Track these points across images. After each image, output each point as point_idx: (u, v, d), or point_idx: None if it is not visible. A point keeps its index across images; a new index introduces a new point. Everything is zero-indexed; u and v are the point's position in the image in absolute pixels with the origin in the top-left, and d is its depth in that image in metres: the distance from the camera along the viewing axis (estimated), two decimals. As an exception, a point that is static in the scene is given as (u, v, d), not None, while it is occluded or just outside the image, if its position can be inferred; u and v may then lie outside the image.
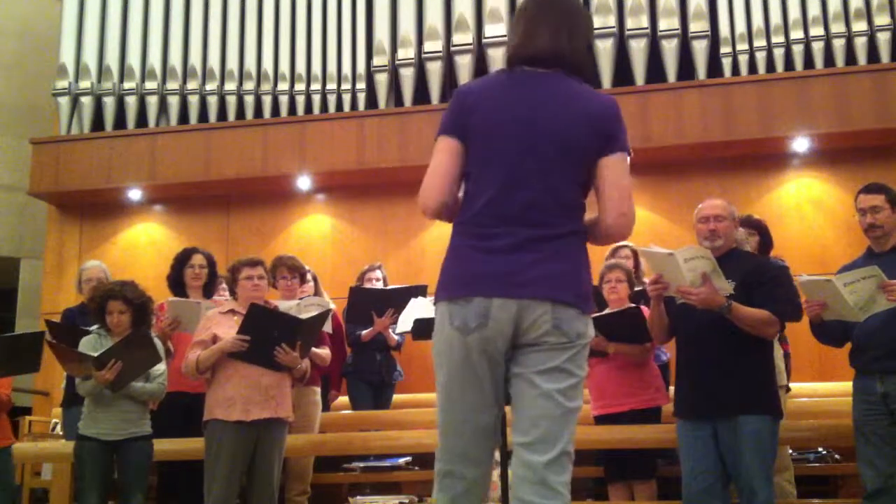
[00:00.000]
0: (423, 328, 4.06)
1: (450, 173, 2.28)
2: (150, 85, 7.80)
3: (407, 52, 7.42)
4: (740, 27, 6.93)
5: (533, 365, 2.18)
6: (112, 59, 7.88)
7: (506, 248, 2.19)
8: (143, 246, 7.85)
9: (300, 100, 7.62)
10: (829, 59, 6.79)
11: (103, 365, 4.11)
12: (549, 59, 2.31)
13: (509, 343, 2.19)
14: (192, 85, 7.76)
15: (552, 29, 2.33)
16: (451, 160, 2.29)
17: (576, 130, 2.24)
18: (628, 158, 2.30)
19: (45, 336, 4.50)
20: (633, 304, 4.49)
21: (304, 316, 4.41)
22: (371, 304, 5.64)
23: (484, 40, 7.23)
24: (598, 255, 5.71)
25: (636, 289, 4.66)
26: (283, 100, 7.63)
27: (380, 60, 7.48)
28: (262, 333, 4.07)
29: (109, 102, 7.80)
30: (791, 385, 4.81)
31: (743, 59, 6.90)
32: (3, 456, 4.48)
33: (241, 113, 7.70)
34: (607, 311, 4.51)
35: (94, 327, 4.43)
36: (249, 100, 7.68)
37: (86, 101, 7.81)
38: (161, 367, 4.38)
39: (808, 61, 6.81)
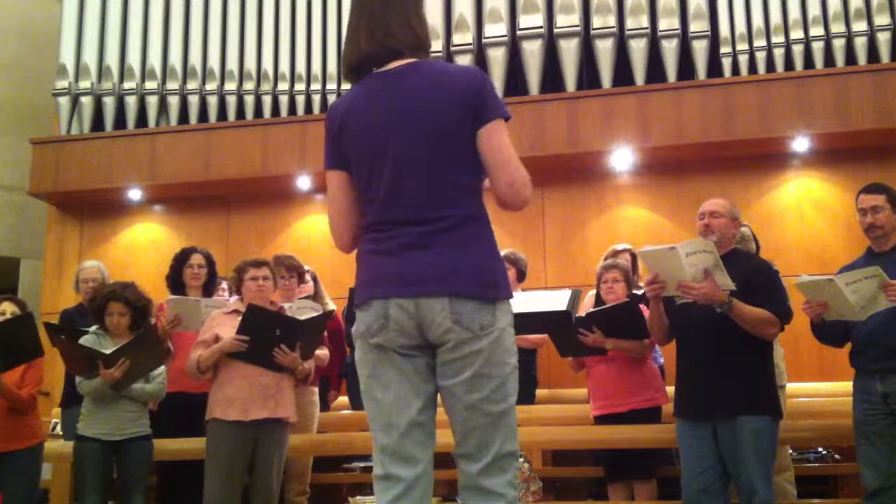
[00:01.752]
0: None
1: (345, 208, 2.30)
2: (150, 85, 7.81)
3: (407, 52, 7.41)
4: (740, 27, 6.93)
5: (452, 377, 2.15)
6: (112, 59, 7.88)
7: (399, 248, 2.17)
8: (143, 246, 7.86)
9: (300, 100, 7.62)
10: (829, 59, 6.78)
11: (112, 363, 4.11)
12: (380, 56, 2.27)
13: (418, 342, 2.17)
14: (192, 85, 7.76)
15: (367, 24, 2.28)
16: (342, 194, 2.30)
17: (441, 114, 2.18)
18: (504, 122, 2.21)
19: (34, 318, 4.47)
20: (630, 299, 4.48)
21: (300, 318, 4.41)
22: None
23: (484, 40, 7.23)
24: (595, 257, 5.75)
25: (634, 291, 4.66)
26: (283, 100, 7.63)
27: (380, 60, 7.47)
28: (261, 334, 4.08)
29: (109, 102, 7.80)
30: (791, 385, 4.81)
31: (743, 59, 6.90)
32: (30, 456, 4.45)
33: (241, 113, 7.70)
34: (602, 307, 4.51)
35: (93, 328, 4.43)
36: (249, 100, 7.68)
37: (86, 101, 7.81)
38: (160, 368, 4.38)
39: (808, 61, 6.80)
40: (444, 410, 2.22)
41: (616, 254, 5.19)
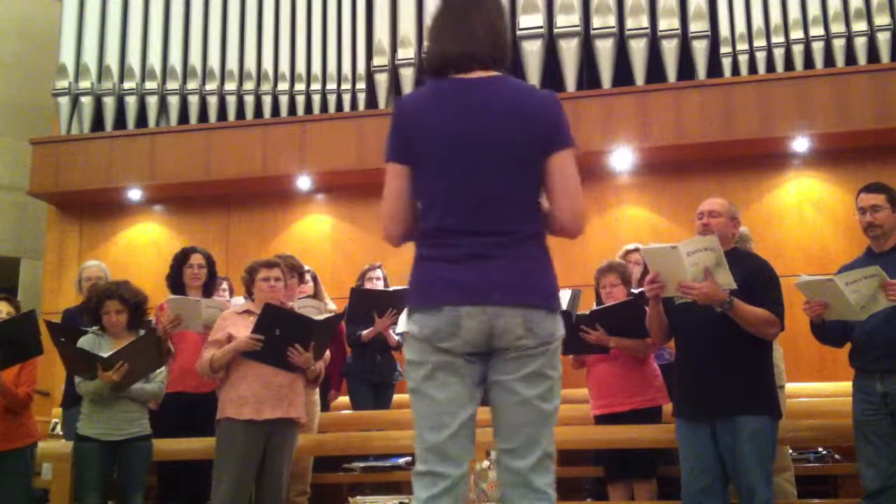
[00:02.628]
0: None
1: (404, 200, 2.33)
2: (150, 85, 7.81)
3: (407, 52, 7.43)
4: (740, 27, 6.93)
5: (510, 372, 2.21)
6: (112, 59, 7.88)
7: (470, 256, 2.21)
8: (143, 246, 7.86)
9: (300, 100, 7.62)
10: (829, 59, 6.79)
11: (111, 366, 4.11)
12: (463, 61, 2.30)
13: (483, 349, 2.22)
14: (192, 85, 7.77)
15: (458, 30, 2.32)
16: (401, 186, 2.32)
17: (517, 133, 2.24)
18: (573, 153, 2.29)
19: (36, 316, 4.49)
20: (633, 298, 4.47)
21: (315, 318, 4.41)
22: (372, 304, 5.64)
23: (484, 40, 7.21)
24: (595, 257, 5.74)
25: (633, 290, 4.65)
26: (283, 100, 7.63)
27: (380, 60, 7.48)
28: (276, 333, 4.08)
29: (109, 102, 7.80)
30: (791, 385, 4.81)
31: (743, 59, 6.90)
32: (24, 456, 4.45)
33: (241, 113, 7.70)
34: (606, 305, 4.50)
35: (92, 328, 4.43)
36: (249, 100, 7.68)
37: (86, 101, 7.81)
38: (160, 368, 4.38)
39: (808, 61, 6.81)
40: (492, 409, 2.26)
41: (627, 254, 5.17)
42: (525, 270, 2.23)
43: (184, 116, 7.77)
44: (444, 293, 2.20)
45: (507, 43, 2.38)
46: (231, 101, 7.71)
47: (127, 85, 7.82)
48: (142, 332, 4.40)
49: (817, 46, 6.78)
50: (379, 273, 5.93)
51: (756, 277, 3.60)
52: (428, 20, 7.44)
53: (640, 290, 4.20)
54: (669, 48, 6.98)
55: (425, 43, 2.45)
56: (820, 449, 5.15)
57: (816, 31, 6.80)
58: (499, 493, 2.28)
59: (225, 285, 5.66)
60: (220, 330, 4.24)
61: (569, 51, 7.06)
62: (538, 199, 2.30)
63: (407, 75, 7.37)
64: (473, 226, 2.22)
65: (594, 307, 4.61)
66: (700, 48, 6.96)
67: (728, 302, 3.45)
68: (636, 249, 5.22)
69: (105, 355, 4.15)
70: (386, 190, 2.36)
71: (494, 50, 2.32)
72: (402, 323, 5.07)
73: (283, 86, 7.65)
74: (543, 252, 2.29)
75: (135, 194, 7.80)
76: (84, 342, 4.33)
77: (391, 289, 5.80)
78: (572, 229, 2.30)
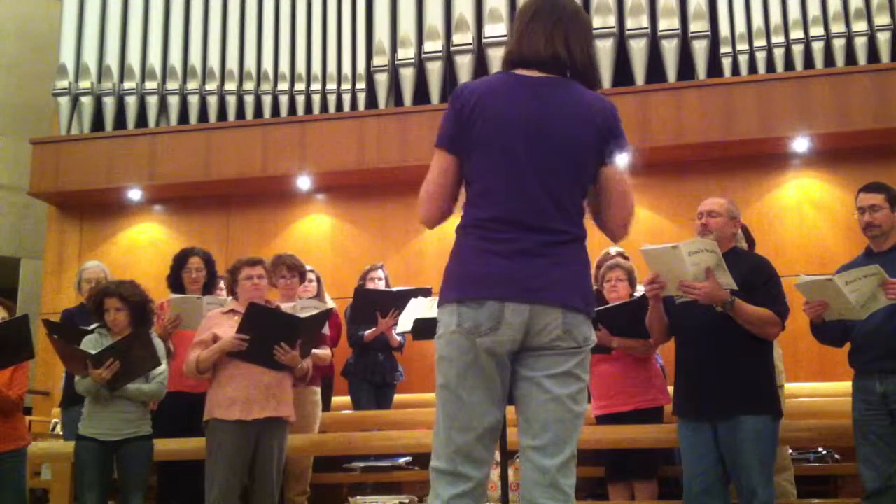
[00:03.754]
0: (423, 328, 4.05)
1: (447, 188, 2.32)
2: (150, 85, 7.80)
3: (407, 52, 7.42)
4: (740, 27, 6.93)
5: (543, 369, 2.21)
6: (112, 59, 7.88)
7: (518, 252, 2.19)
8: (143, 246, 7.85)
9: (300, 100, 7.62)
10: (829, 59, 6.78)
11: (101, 363, 4.10)
12: (545, 63, 2.31)
13: (518, 346, 2.21)
14: (192, 85, 7.76)
15: (548, 32, 2.32)
16: (447, 172, 2.31)
17: (580, 136, 2.26)
18: (627, 158, 2.36)
19: (29, 321, 4.49)
20: (638, 297, 4.45)
21: (302, 315, 4.40)
22: (375, 305, 5.63)
23: (484, 40, 7.23)
24: (595, 257, 5.74)
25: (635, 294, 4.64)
26: (283, 100, 7.63)
27: (380, 60, 7.48)
28: (261, 332, 4.07)
29: (109, 102, 7.80)
30: (791, 385, 4.81)
31: (743, 59, 6.90)
32: (16, 458, 4.46)
33: (241, 113, 7.70)
34: (612, 304, 4.49)
35: (94, 326, 4.43)
36: (249, 100, 7.68)
37: (86, 101, 7.81)
38: (160, 368, 4.38)
39: (808, 61, 6.80)
40: (520, 404, 2.25)
41: (608, 260, 5.16)
42: (570, 273, 2.24)
43: (184, 116, 7.77)
44: (491, 287, 2.18)
45: (596, 69, 2.41)
46: (231, 101, 7.71)
47: (127, 85, 7.82)
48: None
49: (817, 46, 6.78)
50: (380, 273, 5.93)
51: (757, 276, 3.61)
52: (428, 20, 7.47)
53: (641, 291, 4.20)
54: (669, 48, 6.98)
55: (509, 36, 2.46)
56: (820, 449, 5.15)
57: (816, 31, 6.80)
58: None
59: (223, 285, 5.65)
60: (205, 330, 4.22)
61: (569, 51, 7.04)
62: (584, 205, 2.33)
63: (407, 75, 7.37)
64: (528, 221, 2.21)
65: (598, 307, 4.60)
66: (700, 48, 6.96)
67: (729, 302, 3.45)
68: (618, 254, 5.18)
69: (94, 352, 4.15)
70: (431, 173, 2.33)
71: (586, 68, 2.34)
72: (403, 323, 5.07)
73: (283, 86, 7.65)
74: (586, 256, 2.32)
75: (135, 194, 7.80)
76: (87, 342, 4.32)
77: (394, 289, 5.80)
78: (620, 235, 2.37)
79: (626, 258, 5.13)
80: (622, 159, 2.32)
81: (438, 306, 2.28)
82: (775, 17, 6.87)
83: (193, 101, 7.74)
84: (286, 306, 4.70)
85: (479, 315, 2.17)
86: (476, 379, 2.19)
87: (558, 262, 2.21)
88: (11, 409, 4.39)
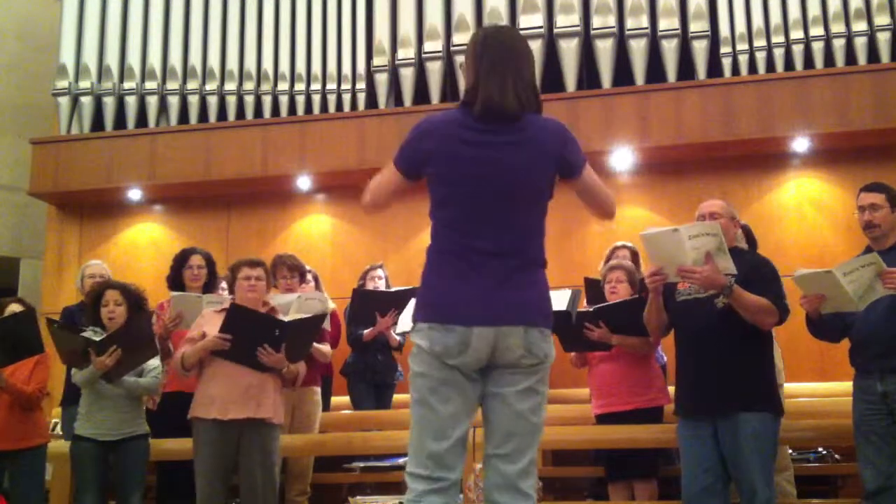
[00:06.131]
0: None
1: (392, 197, 2.60)
2: (150, 85, 7.80)
3: (407, 52, 7.42)
4: (740, 27, 6.93)
5: (507, 385, 2.43)
6: (112, 59, 7.88)
7: (483, 278, 2.40)
8: (143, 246, 7.86)
9: (300, 100, 7.62)
10: (829, 59, 6.78)
11: (104, 350, 4.10)
12: (500, 111, 2.45)
13: (484, 365, 2.43)
14: (192, 85, 7.76)
15: (500, 79, 2.46)
16: (397, 187, 2.56)
17: (538, 170, 2.48)
18: (587, 163, 2.57)
19: (36, 314, 4.52)
20: (638, 296, 4.45)
21: (300, 314, 4.39)
22: (374, 305, 5.63)
23: (484, 40, 7.21)
24: (595, 257, 5.74)
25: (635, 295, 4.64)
26: (283, 100, 7.63)
27: (380, 60, 7.48)
28: (245, 333, 4.04)
29: (109, 102, 7.80)
30: (791, 385, 4.81)
31: (743, 59, 6.90)
32: (36, 456, 4.44)
33: (241, 113, 7.70)
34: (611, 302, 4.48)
35: (90, 328, 4.43)
36: (249, 100, 7.68)
37: (86, 101, 7.81)
38: (154, 362, 4.38)
39: (808, 61, 6.80)
40: (485, 416, 2.48)
41: (616, 250, 5.18)
42: (532, 294, 2.46)
43: (184, 116, 7.77)
44: (458, 313, 2.39)
45: (539, 97, 2.56)
46: (231, 101, 7.71)
47: (127, 85, 7.82)
48: None
49: (817, 46, 6.78)
50: (380, 273, 5.94)
51: (757, 273, 3.61)
52: (428, 20, 7.48)
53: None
54: (669, 48, 6.98)
55: (465, 75, 2.57)
56: (820, 449, 5.15)
57: (816, 31, 6.80)
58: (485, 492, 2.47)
59: (224, 284, 5.65)
60: (196, 328, 4.21)
61: (569, 51, 7.06)
62: (544, 227, 2.54)
63: (407, 75, 7.37)
64: (489, 248, 2.42)
65: (595, 305, 4.61)
66: (700, 48, 6.96)
67: (728, 287, 3.45)
68: (624, 246, 5.22)
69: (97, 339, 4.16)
70: (384, 178, 2.57)
71: (532, 106, 2.51)
72: (402, 323, 5.07)
73: (283, 86, 7.65)
74: (545, 277, 2.52)
75: (135, 194, 7.80)
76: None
77: (393, 289, 5.80)
78: (611, 215, 2.66)
79: (634, 252, 5.13)
80: (583, 162, 2.53)
81: (412, 324, 2.48)
82: (775, 17, 6.87)
83: (193, 101, 7.74)
84: (288, 299, 4.69)
85: (448, 339, 2.38)
86: (448, 392, 2.40)
87: (521, 285, 2.43)
88: (31, 405, 4.39)
